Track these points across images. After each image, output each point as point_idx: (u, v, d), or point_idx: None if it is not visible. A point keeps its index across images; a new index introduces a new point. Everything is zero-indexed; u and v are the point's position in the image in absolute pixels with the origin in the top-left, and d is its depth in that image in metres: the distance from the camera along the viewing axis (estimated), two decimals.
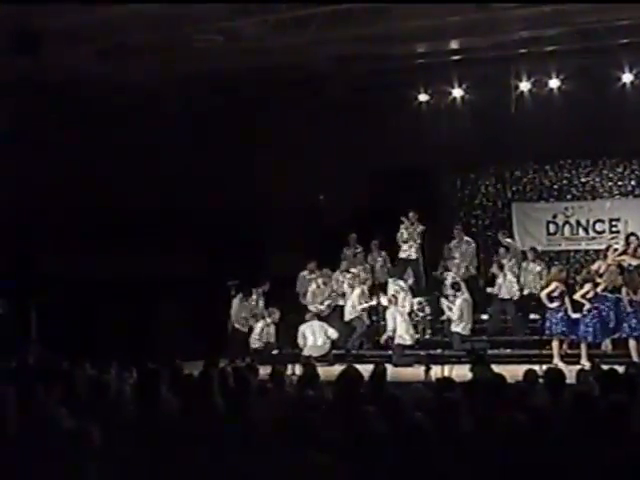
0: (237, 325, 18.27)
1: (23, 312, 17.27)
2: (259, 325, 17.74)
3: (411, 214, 18.51)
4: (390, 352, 16.97)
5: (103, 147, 17.68)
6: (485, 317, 18.08)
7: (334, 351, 17.46)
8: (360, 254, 19.13)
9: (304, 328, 17.42)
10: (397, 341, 17.09)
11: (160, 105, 17.52)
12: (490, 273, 18.29)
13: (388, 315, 17.33)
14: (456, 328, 17.11)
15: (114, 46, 15.35)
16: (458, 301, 17.23)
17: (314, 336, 17.35)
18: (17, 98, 16.35)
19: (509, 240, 18.73)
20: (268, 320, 17.68)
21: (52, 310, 17.23)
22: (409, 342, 17.13)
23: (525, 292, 17.72)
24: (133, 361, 10.23)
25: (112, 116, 17.27)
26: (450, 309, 17.26)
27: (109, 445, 5.58)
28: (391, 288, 17.85)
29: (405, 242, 18.54)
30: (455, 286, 17.49)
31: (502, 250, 18.25)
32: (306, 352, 16.98)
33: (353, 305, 17.97)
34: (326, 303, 18.33)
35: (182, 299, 18.65)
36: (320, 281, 18.43)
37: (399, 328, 17.10)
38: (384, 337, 17.37)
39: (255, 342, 17.63)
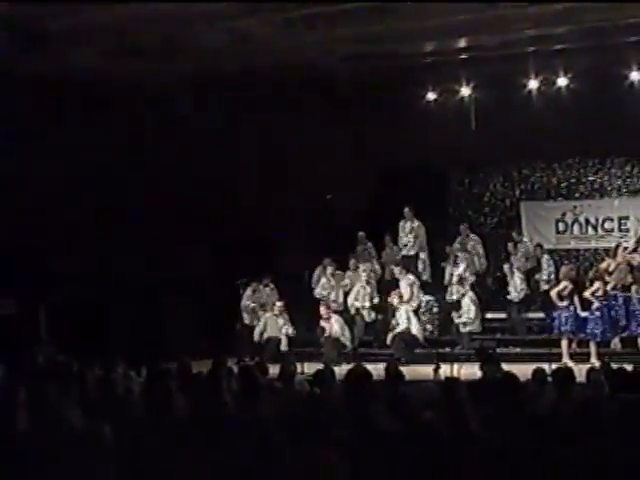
0: (246, 319, 18.30)
1: (32, 312, 17.29)
2: (265, 316, 17.87)
3: (406, 210, 18.59)
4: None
5: (115, 147, 17.69)
6: (490, 316, 18.01)
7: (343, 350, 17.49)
8: (370, 251, 19.14)
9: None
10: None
11: (167, 105, 17.52)
12: (500, 272, 18.26)
13: (402, 313, 17.31)
14: (467, 328, 17.11)
15: (120, 45, 15.32)
16: (465, 300, 17.23)
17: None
18: (25, 96, 16.33)
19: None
20: (275, 311, 17.79)
21: (61, 310, 17.26)
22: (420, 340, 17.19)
23: (545, 288, 17.63)
24: (143, 360, 10.24)
25: (121, 116, 17.28)
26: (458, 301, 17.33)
27: (121, 445, 5.59)
28: (402, 283, 17.85)
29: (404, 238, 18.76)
30: (461, 281, 17.49)
31: (510, 248, 18.21)
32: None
33: (351, 301, 18.12)
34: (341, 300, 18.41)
35: (191, 298, 18.68)
36: (335, 279, 18.46)
37: (412, 327, 17.13)
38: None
39: (257, 335, 17.78)
